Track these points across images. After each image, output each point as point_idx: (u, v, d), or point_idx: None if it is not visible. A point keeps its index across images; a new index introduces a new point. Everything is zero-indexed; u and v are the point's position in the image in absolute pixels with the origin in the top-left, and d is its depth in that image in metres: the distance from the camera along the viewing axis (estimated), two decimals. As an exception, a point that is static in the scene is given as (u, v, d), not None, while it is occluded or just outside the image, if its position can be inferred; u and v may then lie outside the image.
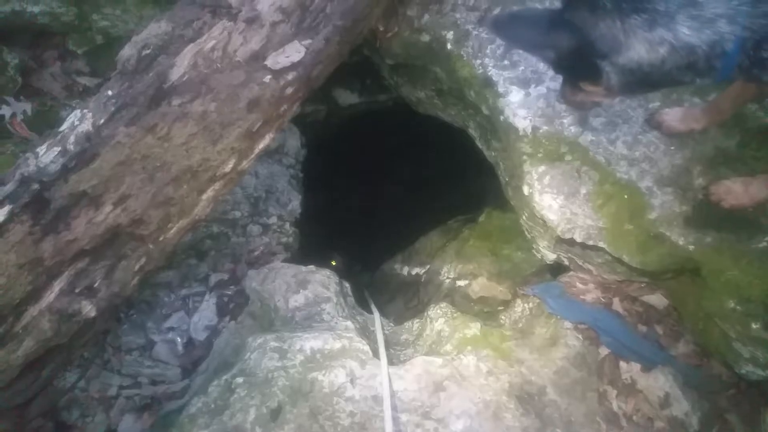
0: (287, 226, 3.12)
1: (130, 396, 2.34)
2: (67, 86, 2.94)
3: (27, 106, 2.71)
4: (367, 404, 1.99)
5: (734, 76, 1.36)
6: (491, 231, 3.45)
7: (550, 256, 2.54)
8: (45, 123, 2.67)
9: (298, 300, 2.45)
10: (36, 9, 2.74)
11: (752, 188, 1.93)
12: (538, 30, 1.48)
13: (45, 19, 2.79)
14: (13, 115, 2.66)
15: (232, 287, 2.72)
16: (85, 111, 1.91)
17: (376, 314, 2.60)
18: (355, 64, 3.31)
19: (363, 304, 2.90)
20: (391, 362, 2.14)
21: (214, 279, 2.73)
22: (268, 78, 2.08)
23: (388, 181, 5.31)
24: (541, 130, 2.29)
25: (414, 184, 5.31)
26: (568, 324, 2.33)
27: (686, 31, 1.23)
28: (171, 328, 2.54)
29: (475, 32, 2.56)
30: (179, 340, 2.52)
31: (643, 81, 1.39)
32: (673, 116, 2.16)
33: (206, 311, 2.61)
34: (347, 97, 4.03)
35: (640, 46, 1.29)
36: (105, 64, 2.96)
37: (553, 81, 2.36)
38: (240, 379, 2.06)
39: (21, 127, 2.65)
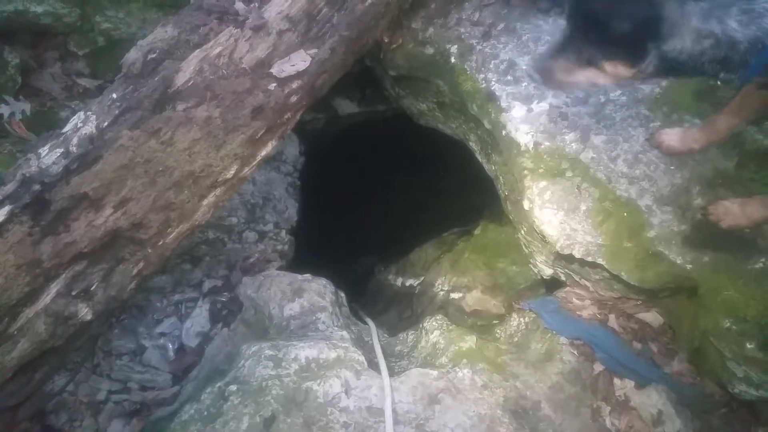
0: (283, 233, 3.10)
1: (119, 401, 2.31)
2: (67, 87, 2.92)
3: (26, 106, 2.69)
4: (361, 415, 1.98)
5: (759, 77, 1.35)
6: (486, 244, 3.46)
7: (547, 271, 2.55)
8: (43, 123, 2.65)
9: (293, 308, 2.44)
10: (39, 9, 2.73)
11: (749, 209, 1.95)
12: None
13: (48, 19, 2.78)
14: (12, 114, 2.63)
15: (225, 294, 2.70)
16: (88, 113, 1.91)
17: (372, 325, 2.59)
18: (357, 73, 3.32)
19: (357, 313, 2.89)
20: (385, 373, 2.13)
21: (207, 285, 2.71)
22: (273, 86, 2.08)
23: (384, 191, 5.31)
24: (542, 146, 2.31)
25: (410, 195, 5.31)
26: (563, 339, 2.33)
27: (735, 26, 1.23)
28: (162, 334, 2.52)
29: (479, 47, 2.59)
30: (170, 346, 2.50)
31: (672, 69, 1.38)
32: (672, 136, 2.19)
33: (199, 317, 2.59)
34: (347, 107, 4.03)
35: (688, 36, 1.28)
36: (106, 66, 2.95)
37: (555, 97, 2.38)
38: (233, 387, 2.04)
39: (19, 127, 2.63)
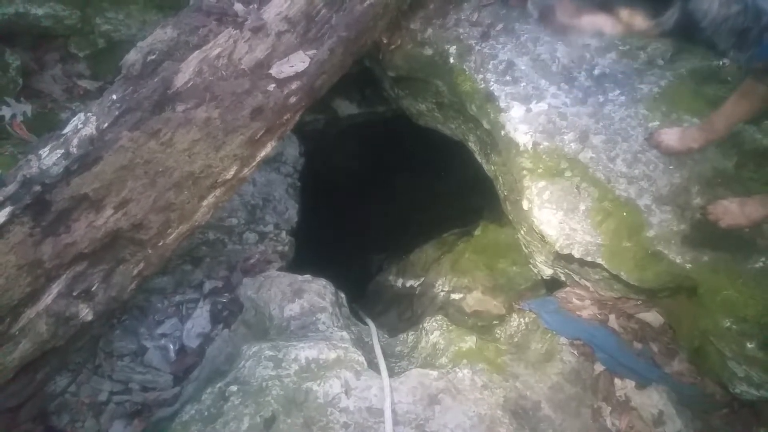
0: (284, 234, 3.11)
1: (120, 402, 2.31)
2: (68, 89, 2.93)
3: (27, 108, 2.70)
4: (361, 415, 1.99)
5: (762, 64, 1.33)
6: (486, 245, 3.46)
7: (547, 272, 2.55)
8: (45, 125, 2.66)
9: (293, 309, 2.44)
10: (40, 11, 2.74)
11: (748, 208, 1.95)
12: None
13: (48, 21, 2.78)
14: (13, 116, 2.64)
15: (226, 295, 2.70)
16: (89, 114, 1.91)
17: (372, 326, 2.60)
18: (356, 74, 3.32)
19: (357, 314, 2.89)
20: (385, 374, 2.13)
21: (208, 286, 2.72)
22: (272, 87, 2.09)
23: (384, 192, 5.31)
24: (541, 146, 2.31)
25: (410, 196, 5.31)
26: (563, 339, 2.33)
27: None
28: (163, 335, 2.52)
29: (477, 47, 2.59)
30: (171, 346, 2.50)
31: (689, 32, 1.34)
32: (671, 136, 2.19)
33: (199, 318, 2.59)
34: (347, 108, 4.04)
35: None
36: (106, 67, 2.96)
37: (554, 98, 2.39)
38: (234, 388, 2.04)
39: (20, 129, 2.63)
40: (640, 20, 1.39)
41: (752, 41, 1.27)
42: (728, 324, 1.92)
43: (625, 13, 1.40)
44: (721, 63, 1.48)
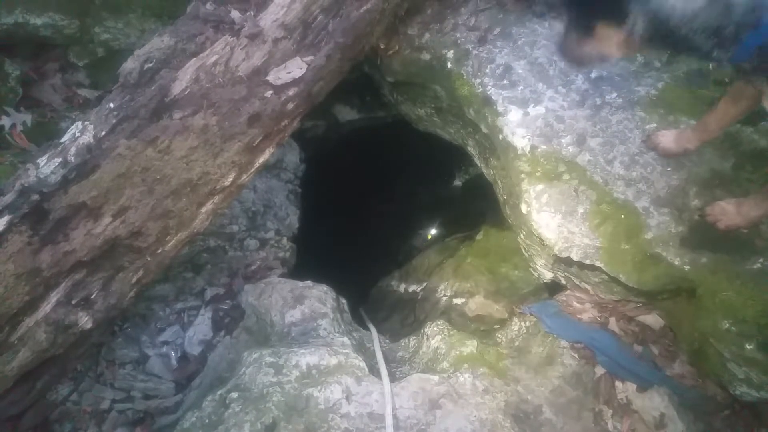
0: (285, 240, 3.11)
1: (122, 410, 2.31)
2: (68, 98, 2.94)
3: (27, 117, 2.71)
4: (362, 421, 1.98)
5: (749, 61, 1.30)
6: (488, 249, 3.46)
7: (547, 275, 2.54)
8: (44, 134, 2.67)
9: (294, 315, 2.44)
10: (39, 21, 2.75)
11: (745, 209, 1.95)
12: None
13: (47, 31, 2.80)
14: (13, 125, 2.65)
15: (227, 302, 2.70)
16: (86, 123, 1.92)
17: (374, 331, 2.60)
18: (355, 80, 3.33)
19: (359, 320, 2.89)
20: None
21: (209, 293, 2.72)
22: (269, 93, 2.09)
23: (385, 198, 5.32)
24: (539, 149, 2.31)
25: (411, 201, 5.32)
26: (564, 343, 2.33)
27: None
28: (165, 342, 2.53)
29: (475, 51, 2.60)
30: (173, 354, 2.50)
31: (665, 37, 1.30)
32: (668, 138, 2.19)
33: (201, 325, 2.59)
34: (347, 113, 4.05)
35: None
36: (106, 76, 2.97)
37: (551, 101, 2.39)
38: (235, 394, 2.04)
39: (20, 138, 2.65)
40: (614, 34, 1.39)
41: (731, 39, 1.25)
42: (727, 325, 1.91)
43: (602, 31, 1.41)
44: (710, 66, 1.46)
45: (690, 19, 1.23)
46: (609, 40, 1.43)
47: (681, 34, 1.26)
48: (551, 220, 2.22)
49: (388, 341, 2.71)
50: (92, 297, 1.91)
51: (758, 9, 1.18)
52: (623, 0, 1.28)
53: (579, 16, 1.50)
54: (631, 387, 2.19)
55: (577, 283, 2.40)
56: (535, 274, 2.68)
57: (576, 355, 2.29)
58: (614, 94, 2.40)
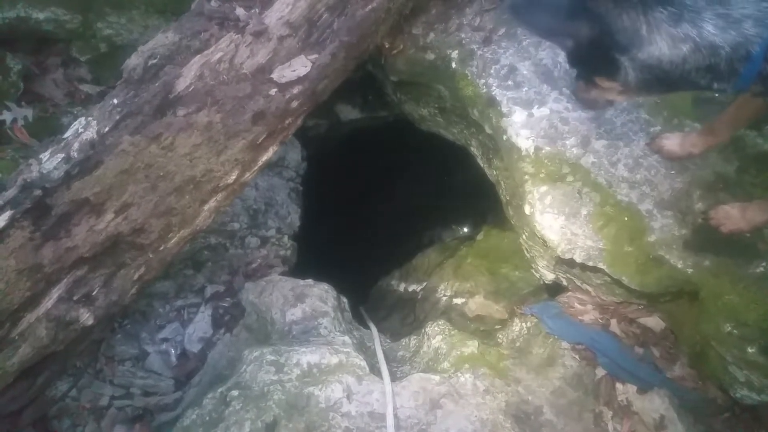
0: (286, 239, 3.10)
1: (121, 407, 2.31)
2: (69, 93, 2.93)
3: (28, 112, 2.70)
4: (363, 420, 1.98)
5: (754, 86, 1.31)
6: (489, 249, 3.46)
7: (549, 276, 2.54)
8: (46, 129, 2.66)
9: (295, 313, 2.44)
10: (41, 16, 2.74)
11: (749, 213, 1.95)
12: (558, 16, 1.38)
13: (50, 25, 2.79)
14: (15, 120, 2.64)
15: (228, 299, 2.70)
16: (89, 118, 1.92)
17: (374, 330, 2.59)
18: (358, 79, 3.32)
19: (359, 319, 2.89)
20: (387, 378, 2.13)
21: (210, 290, 2.71)
22: (273, 91, 2.09)
23: (387, 197, 5.32)
24: (543, 151, 2.31)
25: (412, 200, 5.32)
26: (565, 344, 2.33)
27: (711, 30, 1.19)
28: (165, 339, 2.52)
29: (479, 52, 2.59)
30: (173, 351, 2.50)
31: (661, 80, 1.33)
32: (672, 141, 2.19)
33: (201, 323, 2.59)
34: (349, 112, 4.04)
35: (663, 42, 1.24)
36: (108, 72, 2.96)
37: (556, 102, 2.38)
38: (235, 392, 2.04)
39: (21, 133, 2.64)
40: (609, 84, 1.46)
41: (726, 74, 1.26)
42: (729, 328, 1.92)
43: (600, 82, 1.49)
44: (713, 94, 1.49)
45: (680, 64, 1.26)
46: (610, 89, 1.50)
47: (676, 76, 1.29)
48: (555, 222, 2.22)
49: (388, 341, 2.71)
50: (94, 293, 1.91)
51: (744, 43, 1.19)
52: (614, 58, 1.33)
53: (583, 70, 1.58)
54: (632, 389, 2.19)
55: (579, 284, 2.40)
56: (537, 275, 2.68)
57: (577, 357, 2.29)
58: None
